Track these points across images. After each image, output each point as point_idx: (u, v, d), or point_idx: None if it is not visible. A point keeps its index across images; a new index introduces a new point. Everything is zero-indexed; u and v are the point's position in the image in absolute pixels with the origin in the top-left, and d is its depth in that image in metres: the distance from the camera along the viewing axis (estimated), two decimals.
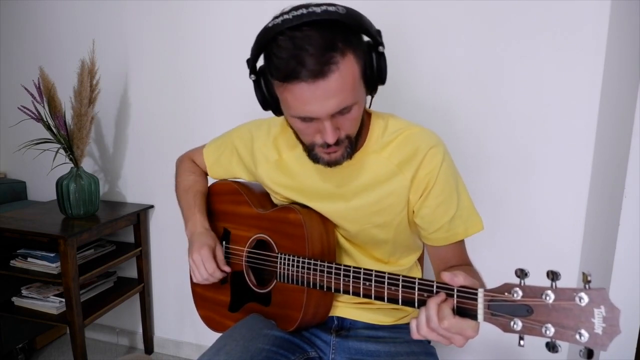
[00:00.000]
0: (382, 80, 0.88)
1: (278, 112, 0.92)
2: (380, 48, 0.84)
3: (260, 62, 0.86)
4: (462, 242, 0.99)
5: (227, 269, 1.06)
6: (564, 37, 1.35)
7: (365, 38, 0.84)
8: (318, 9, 0.76)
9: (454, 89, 1.49)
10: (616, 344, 0.58)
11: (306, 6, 0.77)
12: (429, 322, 0.71)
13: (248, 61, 0.87)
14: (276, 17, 0.78)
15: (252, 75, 0.88)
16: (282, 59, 0.77)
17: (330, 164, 0.90)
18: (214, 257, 1.04)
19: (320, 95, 0.77)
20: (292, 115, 0.84)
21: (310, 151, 0.90)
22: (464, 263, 0.98)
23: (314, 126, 0.84)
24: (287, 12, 0.77)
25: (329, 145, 0.85)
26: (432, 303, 0.72)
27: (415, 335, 0.73)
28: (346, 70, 0.78)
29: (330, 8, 0.77)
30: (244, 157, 1.12)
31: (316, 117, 0.81)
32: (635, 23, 1.12)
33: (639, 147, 1.08)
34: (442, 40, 1.48)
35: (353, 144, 0.89)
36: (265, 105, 0.91)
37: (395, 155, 0.95)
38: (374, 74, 0.85)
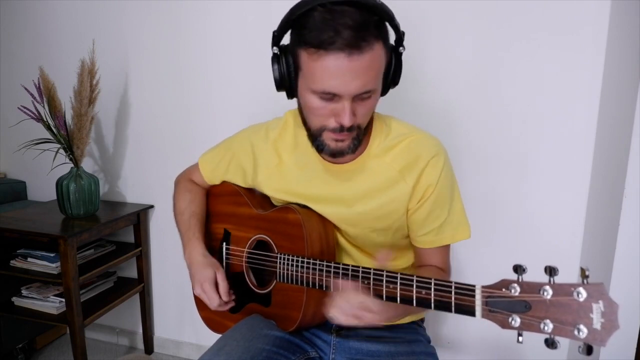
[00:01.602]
0: (395, 83, 0.90)
1: (291, 93, 0.90)
2: (401, 49, 0.87)
3: (286, 40, 0.86)
4: (447, 246, 1.00)
5: (227, 298, 1.02)
6: (564, 37, 1.35)
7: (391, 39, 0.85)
8: None
9: (454, 90, 1.49)
10: (616, 342, 0.58)
11: None
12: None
13: (274, 32, 0.85)
14: None
15: (275, 48, 0.86)
16: (318, 27, 0.76)
17: (335, 153, 0.88)
18: (217, 287, 1.01)
19: (351, 71, 0.77)
20: (313, 89, 0.81)
21: (316, 137, 0.88)
22: (442, 266, 1.00)
23: (331, 107, 0.82)
24: None
25: (341, 130, 0.84)
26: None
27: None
28: (377, 54, 0.79)
29: None
30: (244, 164, 1.10)
31: (339, 94, 0.80)
32: (635, 23, 1.12)
33: (639, 147, 1.09)
34: (441, 40, 1.47)
35: (360, 136, 0.88)
36: (280, 84, 0.88)
37: (397, 161, 0.95)
38: (390, 74, 0.87)
